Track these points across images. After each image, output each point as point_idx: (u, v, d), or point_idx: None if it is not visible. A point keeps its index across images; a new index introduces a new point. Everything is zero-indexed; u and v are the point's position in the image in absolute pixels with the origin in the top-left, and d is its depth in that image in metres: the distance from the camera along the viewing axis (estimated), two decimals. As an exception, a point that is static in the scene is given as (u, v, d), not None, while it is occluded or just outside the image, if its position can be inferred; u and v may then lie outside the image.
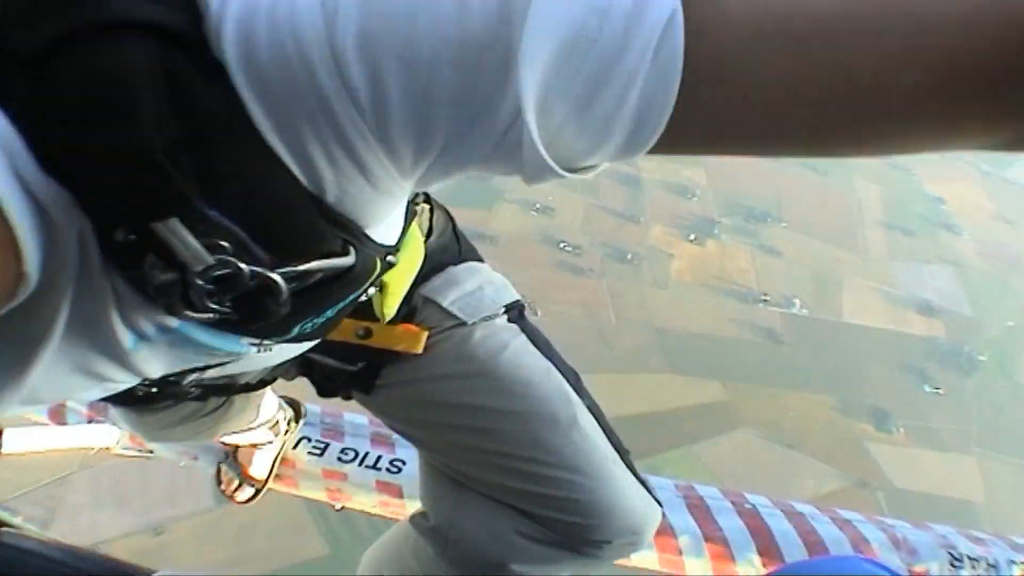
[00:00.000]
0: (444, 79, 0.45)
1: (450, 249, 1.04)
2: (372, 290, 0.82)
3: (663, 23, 0.43)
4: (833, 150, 0.50)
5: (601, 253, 36.01)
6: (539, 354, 1.03)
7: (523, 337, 1.03)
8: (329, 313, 0.63)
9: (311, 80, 0.44)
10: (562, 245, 37.50)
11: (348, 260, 0.57)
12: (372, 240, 0.59)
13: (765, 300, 38.56)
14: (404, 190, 0.55)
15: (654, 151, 0.49)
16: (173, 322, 0.56)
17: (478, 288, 1.03)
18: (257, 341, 0.63)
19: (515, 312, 1.05)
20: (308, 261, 0.54)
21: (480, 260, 1.09)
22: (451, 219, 1.05)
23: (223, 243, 0.49)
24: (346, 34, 0.44)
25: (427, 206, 0.97)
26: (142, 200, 0.46)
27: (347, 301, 0.64)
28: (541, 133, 0.46)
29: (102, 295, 0.53)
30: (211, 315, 0.53)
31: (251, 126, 0.46)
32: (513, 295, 1.06)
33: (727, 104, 0.46)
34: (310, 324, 0.63)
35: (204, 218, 0.48)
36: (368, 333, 0.97)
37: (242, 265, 0.50)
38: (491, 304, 1.03)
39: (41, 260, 0.46)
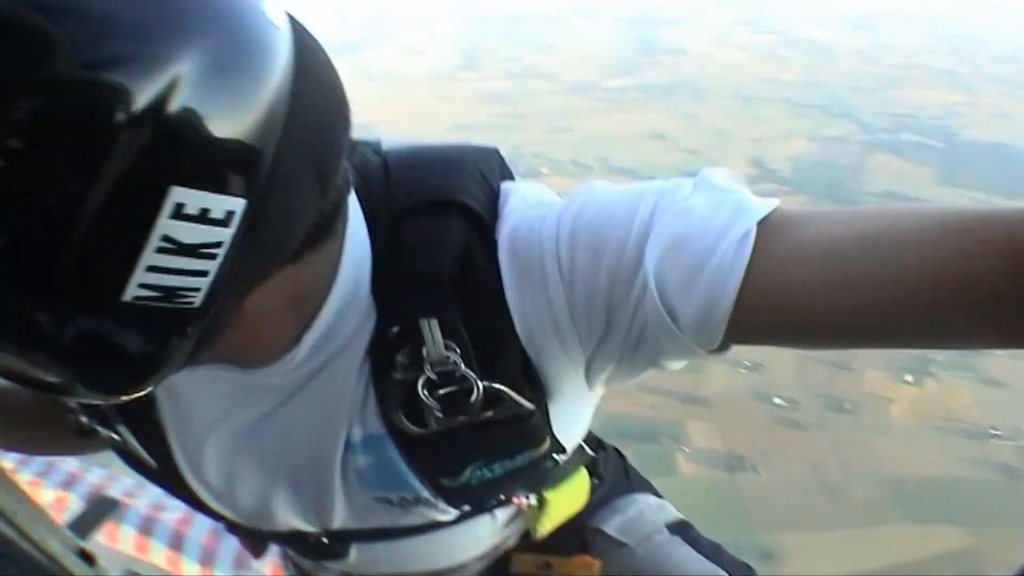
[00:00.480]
0: (607, 260, 0.65)
1: (617, 485, 1.20)
2: (533, 499, 0.98)
3: (741, 237, 0.60)
4: (848, 344, 0.65)
5: (817, 405, 35.32)
6: (703, 558, 1.12)
7: (686, 547, 1.14)
8: (497, 470, 0.77)
9: (541, 260, 0.68)
10: (777, 400, 36.85)
11: (529, 405, 0.73)
12: (551, 422, 0.77)
13: (996, 435, 36.50)
14: (581, 364, 0.73)
15: (727, 338, 0.63)
16: (379, 428, 0.74)
17: (639, 513, 1.17)
18: (433, 483, 0.78)
19: (677, 526, 1.17)
20: (503, 385, 0.71)
21: (647, 490, 1.24)
22: (622, 457, 1.25)
23: (456, 348, 0.68)
24: (563, 231, 0.68)
25: (603, 453, 1.16)
26: (424, 301, 0.68)
27: (515, 463, 0.78)
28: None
29: (341, 392, 0.72)
30: (417, 428, 0.71)
31: (499, 282, 0.69)
32: (673, 514, 1.20)
33: (770, 299, 0.61)
34: (480, 471, 0.77)
35: (453, 327, 0.68)
36: (548, 566, 1.10)
37: (464, 368, 0.69)
38: (651, 524, 1.16)
39: (315, 344, 0.68)
